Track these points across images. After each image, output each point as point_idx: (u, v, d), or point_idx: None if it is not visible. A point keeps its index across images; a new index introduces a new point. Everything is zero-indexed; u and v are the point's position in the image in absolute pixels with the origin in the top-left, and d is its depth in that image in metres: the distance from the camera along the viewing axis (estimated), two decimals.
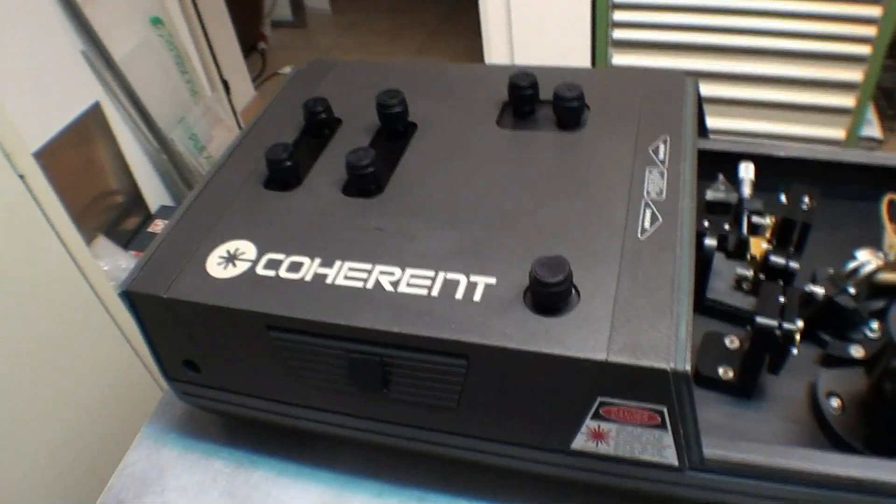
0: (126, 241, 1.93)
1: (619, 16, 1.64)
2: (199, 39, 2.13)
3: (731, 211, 0.85)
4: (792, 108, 1.74)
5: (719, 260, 0.86)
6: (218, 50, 2.24)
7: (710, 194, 0.86)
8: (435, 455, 0.78)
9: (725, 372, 0.78)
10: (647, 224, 0.71)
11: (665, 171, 0.76)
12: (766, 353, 0.73)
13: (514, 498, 0.79)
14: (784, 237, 0.78)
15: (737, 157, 0.91)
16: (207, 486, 0.84)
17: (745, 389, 0.78)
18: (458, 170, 0.80)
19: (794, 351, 0.73)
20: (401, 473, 0.82)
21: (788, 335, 0.71)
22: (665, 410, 0.63)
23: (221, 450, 0.87)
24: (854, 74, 1.68)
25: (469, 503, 0.80)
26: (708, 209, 0.87)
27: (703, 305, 0.85)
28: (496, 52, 1.73)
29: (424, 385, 0.69)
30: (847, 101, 1.72)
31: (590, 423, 0.66)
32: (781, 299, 0.72)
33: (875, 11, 1.58)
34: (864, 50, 1.64)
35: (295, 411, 0.79)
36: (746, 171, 0.88)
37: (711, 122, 1.76)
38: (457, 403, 0.69)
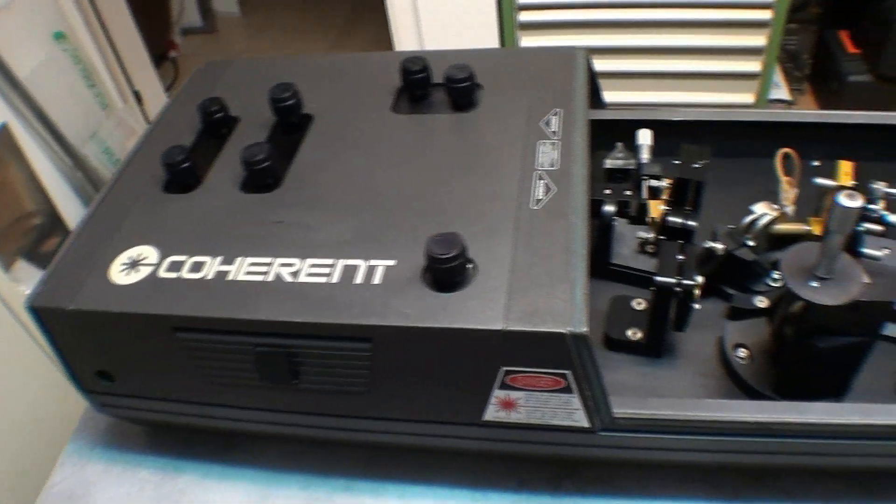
0: (47, 262, 1.88)
1: None
2: (106, 51, 2.10)
3: (631, 177, 0.87)
4: (702, 76, 1.77)
5: (623, 225, 0.88)
6: (127, 61, 2.21)
7: (609, 162, 0.87)
8: (353, 442, 0.78)
9: (634, 333, 0.80)
10: (540, 194, 0.72)
11: (558, 143, 0.77)
12: (668, 311, 0.75)
13: (440, 476, 0.80)
14: (679, 197, 0.79)
15: (635, 125, 0.92)
16: (135, 497, 0.83)
17: (655, 348, 0.79)
18: (355, 157, 0.80)
19: (696, 306, 0.75)
20: (326, 464, 0.82)
21: (688, 291, 0.72)
22: (569, 374, 0.64)
23: (147, 459, 0.86)
24: (758, 40, 1.72)
25: (396, 486, 0.80)
26: (609, 177, 0.88)
27: (609, 271, 0.86)
28: (405, 41, 1.74)
29: (332, 372, 0.69)
30: (753, 65, 1.75)
31: (498, 394, 0.67)
32: (680, 257, 0.74)
33: None
34: (766, 15, 1.68)
35: (212, 412, 0.78)
36: (644, 137, 0.90)
37: (625, 96, 1.79)
38: (366, 387, 0.69)
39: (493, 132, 0.80)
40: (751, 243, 0.80)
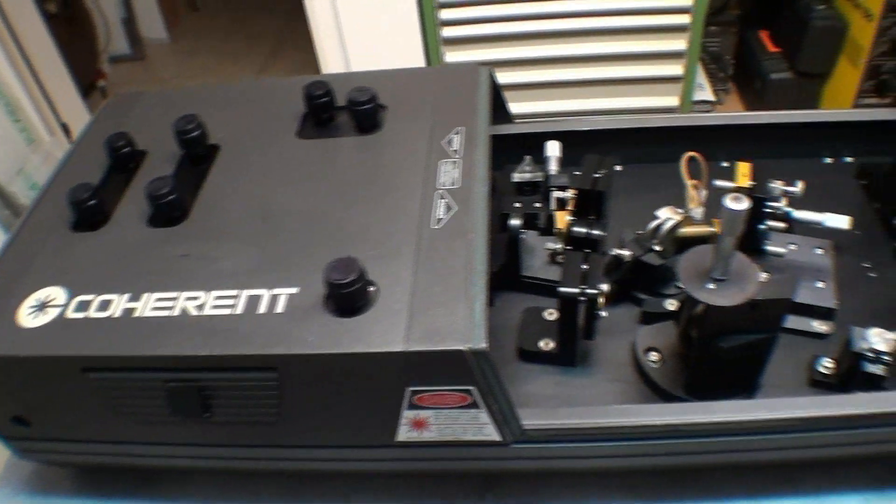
0: None
1: (445, 14, 1.67)
2: (30, 84, 2.07)
3: (540, 189, 0.88)
4: (628, 82, 1.80)
5: (533, 237, 0.88)
6: (53, 93, 2.18)
7: (517, 176, 0.88)
8: (270, 471, 0.78)
9: (547, 344, 0.80)
10: (441, 214, 0.72)
11: (459, 161, 0.77)
12: (576, 320, 0.76)
13: (363, 499, 0.80)
14: (583, 207, 0.80)
15: (544, 137, 0.94)
16: None
17: (568, 357, 0.80)
18: (260, 185, 0.80)
19: (603, 314, 0.76)
20: (249, 493, 0.82)
21: (593, 300, 0.73)
22: (474, 389, 0.64)
23: (73, 501, 0.85)
24: (679, 44, 1.75)
25: None
26: (518, 190, 0.89)
27: (522, 283, 0.87)
28: (331, 61, 1.74)
29: (242, 403, 0.69)
30: (676, 69, 1.78)
31: (408, 414, 0.67)
32: (584, 267, 0.75)
33: None
34: (685, 19, 1.71)
35: (129, 450, 0.78)
36: (552, 149, 0.91)
37: (551, 105, 1.81)
38: (277, 416, 0.69)
39: (396, 153, 0.81)
40: (657, 248, 0.81)
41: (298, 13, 1.74)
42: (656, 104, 1.82)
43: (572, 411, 0.70)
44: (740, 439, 0.71)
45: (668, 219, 0.81)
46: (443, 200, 0.73)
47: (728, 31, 2.18)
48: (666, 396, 0.77)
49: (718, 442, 0.71)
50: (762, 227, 0.82)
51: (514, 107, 1.76)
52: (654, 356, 0.79)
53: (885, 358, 0.74)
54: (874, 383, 0.75)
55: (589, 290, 0.72)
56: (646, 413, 0.69)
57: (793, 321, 0.83)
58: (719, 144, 1.00)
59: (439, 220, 0.72)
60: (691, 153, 0.87)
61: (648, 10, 1.69)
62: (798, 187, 0.82)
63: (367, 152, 0.81)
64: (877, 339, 0.74)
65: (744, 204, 0.61)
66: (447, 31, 1.69)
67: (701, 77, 2.15)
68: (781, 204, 0.85)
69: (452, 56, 1.72)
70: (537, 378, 0.81)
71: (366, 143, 0.82)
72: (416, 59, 1.72)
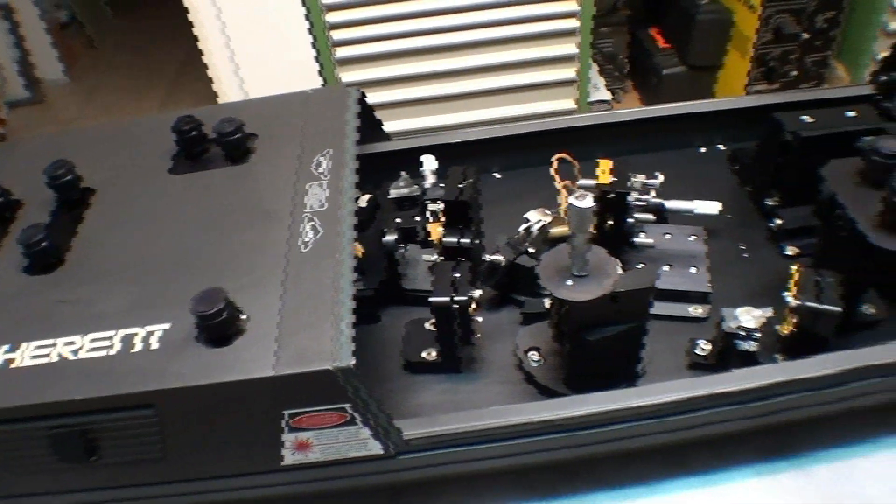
0: None
1: (336, 35, 1.68)
2: None
3: (418, 203, 0.89)
4: (525, 88, 1.83)
5: (414, 251, 0.90)
6: None
7: (393, 192, 0.90)
8: None
9: (430, 353, 0.82)
10: (308, 237, 0.73)
11: (326, 183, 0.79)
12: (452, 328, 0.77)
13: None
14: (452, 218, 0.82)
15: (422, 151, 0.95)
16: None
17: (452, 365, 0.82)
18: (135, 225, 0.80)
19: (478, 319, 0.78)
20: None
21: (464, 307, 0.74)
22: (348, 406, 0.65)
23: None
24: (569, 47, 1.78)
25: None
26: (397, 206, 0.90)
27: (405, 296, 0.89)
28: (228, 92, 1.74)
29: (126, 443, 0.69)
30: (569, 72, 1.82)
31: (289, 437, 0.68)
32: (455, 275, 0.76)
33: None
34: (573, 23, 1.74)
35: (21, 503, 0.77)
36: (427, 162, 0.93)
37: (452, 117, 1.83)
38: (161, 453, 0.69)
39: (265, 180, 0.81)
40: (530, 250, 0.83)
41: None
42: (554, 108, 1.86)
43: (451, 417, 0.71)
44: (623, 427, 0.73)
45: (538, 221, 0.83)
46: (310, 223, 0.74)
47: (620, 31, 2.23)
48: (549, 393, 0.79)
49: (601, 432, 0.73)
50: (629, 220, 0.84)
51: (412, 122, 1.81)
52: (534, 355, 0.80)
53: (756, 335, 0.77)
54: (749, 360, 0.78)
55: (459, 298, 0.74)
56: (522, 411, 0.70)
57: (670, 308, 0.86)
58: (595, 144, 1.03)
59: (307, 243, 0.72)
60: (561, 154, 0.90)
61: (537, 18, 1.73)
62: (658, 179, 0.85)
63: (238, 182, 0.82)
64: (746, 317, 0.77)
65: (588, 201, 0.63)
66: (340, 52, 1.70)
67: (597, 78, 2.19)
68: (650, 196, 0.87)
69: (348, 76, 1.74)
70: (425, 388, 0.82)
71: (236, 173, 0.83)
72: (313, 81, 1.73)
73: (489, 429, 0.70)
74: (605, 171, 0.82)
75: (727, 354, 0.79)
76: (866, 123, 0.92)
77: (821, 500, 0.79)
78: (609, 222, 0.83)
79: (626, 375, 0.78)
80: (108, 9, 3.37)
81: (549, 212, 0.84)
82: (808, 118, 0.91)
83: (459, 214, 0.80)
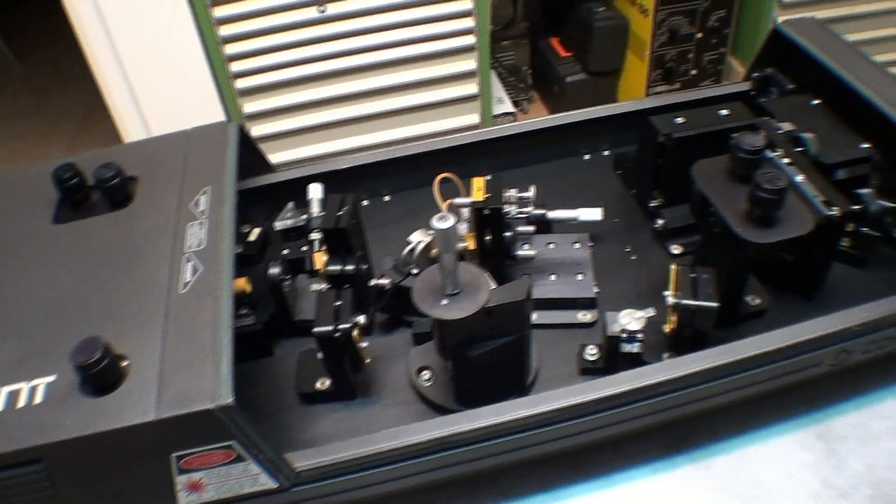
0: None
1: (235, 67, 1.68)
2: None
3: (305, 233, 0.90)
4: (430, 106, 1.84)
5: (304, 280, 0.90)
6: None
7: (279, 224, 0.90)
8: None
9: (323, 383, 0.82)
10: (188, 277, 0.73)
11: (206, 222, 0.79)
12: (340, 356, 0.78)
13: None
14: (331, 246, 0.83)
15: (310, 180, 0.96)
16: None
17: (345, 392, 0.82)
18: (17, 278, 0.79)
19: (364, 344, 0.78)
20: None
21: (348, 335, 0.75)
22: (234, 443, 0.66)
23: None
24: (469, 64, 1.80)
25: None
26: (284, 237, 0.91)
27: (297, 327, 0.89)
28: (132, 131, 1.72)
29: (20, 500, 0.68)
30: (471, 88, 1.84)
31: (181, 479, 0.68)
32: (338, 303, 0.77)
33: (467, 4, 1.71)
34: (470, 40, 1.77)
35: None
36: (314, 191, 0.93)
37: (362, 139, 1.83)
38: None
39: (146, 223, 0.81)
40: (415, 271, 0.84)
41: None
42: (460, 124, 1.87)
43: (341, 445, 0.71)
44: (516, 437, 0.74)
45: (420, 241, 0.84)
46: (189, 263, 0.74)
47: (520, 43, 2.26)
48: (442, 411, 0.79)
49: (496, 444, 0.74)
50: (509, 234, 0.85)
51: (321, 147, 1.81)
52: (426, 374, 0.81)
53: (639, 336, 0.79)
54: (635, 361, 0.79)
55: (342, 326, 0.74)
56: (411, 432, 0.71)
57: (559, 315, 0.88)
58: (483, 159, 1.05)
59: (186, 283, 0.73)
60: (443, 174, 0.91)
61: (434, 37, 1.74)
62: (531, 192, 0.87)
63: (119, 227, 0.82)
64: (627, 319, 0.79)
65: (449, 222, 0.64)
66: (241, 83, 1.70)
67: (500, 91, 2.22)
68: (531, 209, 0.89)
69: (250, 107, 1.74)
70: (322, 417, 0.83)
71: (118, 219, 0.83)
72: (216, 114, 1.72)
73: (380, 453, 0.71)
74: (479, 189, 0.83)
75: (614, 357, 0.80)
76: (737, 120, 0.95)
77: (719, 489, 0.81)
78: (488, 237, 0.84)
79: (516, 386, 0.79)
80: (10, 53, 3.29)
81: (431, 231, 0.85)
82: (680, 119, 0.94)
83: (339, 242, 0.81)
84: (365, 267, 0.85)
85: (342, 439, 0.76)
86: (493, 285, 0.70)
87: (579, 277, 0.89)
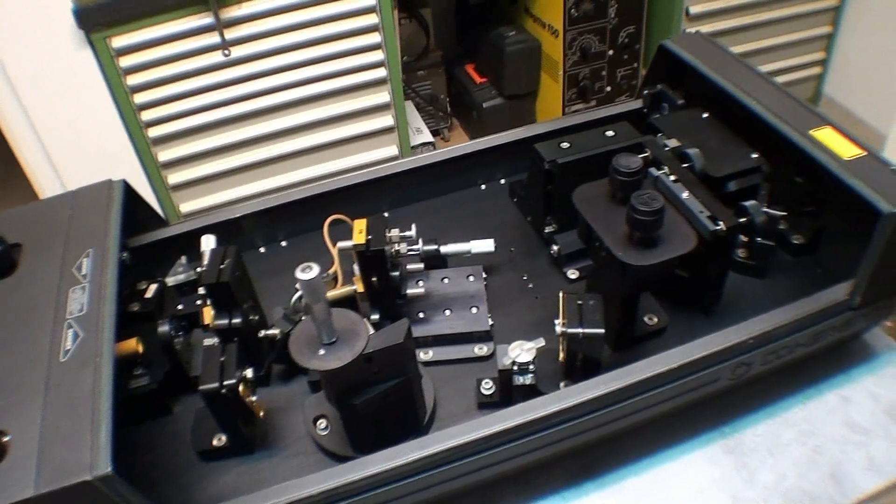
0: None
1: (146, 116, 1.66)
2: None
3: (197, 287, 0.89)
4: (346, 141, 1.84)
5: (199, 335, 0.89)
6: None
7: (171, 279, 0.89)
8: None
9: (219, 439, 0.81)
10: (69, 344, 0.72)
11: (87, 286, 0.78)
12: (229, 411, 0.77)
13: None
14: (216, 300, 0.82)
15: (202, 232, 0.95)
16: None
17: (242, 447, 0.81)
18: None
19: (253, 398, 0.78)
20: None
21: (233, 390, 0.74)
22: None
23: None
24: (382, 96, 1.81)
25: None
26: (179, 292, 0.90)
27: (194, 384, 0.88)
28: (46, 186, 1.70)
29: None
30: (386, 120, 1.84)
31: None
32: (223, 358, 0.76)
33: (375, 38, 1.72)
34: (381, 73, 1.77)
35: None
36: (206, 243, 0.92)
37: (274, 181, 1.82)
38: None
39: (30, 291, 0.80)
40: (304, 317, 0.84)
41: None
42: (380, 156, 1.88)
43: (239, 501, 0.70)
44: (414, 480, 0.74)
45: None
46: (70, 330, 0.73)
47: (436, 71, 2.27)
48: (340, 459, 0.79)
49: (393, 489, 0.73)
50: (396, 274, 0.85)
51: (238, 191, 1.80)
52: (322, 423, 0.81)
53: (531, 367, 0.79)
54: (529, 392, 0.80)
55: (227, 382, 0.74)
56: (297, 486, 0.70)
57: (456, 351, 0.88)
58: (379, 197, 1.05)
59: (67, 351, 0.71)
60: (335, 216, 0.91)
61: (345, 72, 1.75)
62: (412, 231, 0.87)
63: (3, 297, 0.80)
64: (517, 351, 0.79)
65: (312, 273, 0.64)
66: (153, 132, 1.69)
67: (418, 121, 2.22)
68: (419, 246, 0.89)
69: (165, 154, 1.72)
70: (223, 473, 0.81)
71: (4, 288, 0.81)
72: (131, 164, 1.71)
73: None
74: (360, 231, 0.83)
75: (509, 390, 0.80)
76: (623, 140, 0.96)
77: None
78: (375, 279, 0.84)
79: (412, 427, 0.79)
80: None
81: (324, 275, 0.85)
82: (566, 144, 0.95)
83: (223, 296, 0.80)
84: (256, 318, 0.84)
85: (243, 494, 0.76)
86: (371, 331, 0.70)
87: (474, 311, 0.90)
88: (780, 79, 2.08)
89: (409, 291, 0.86)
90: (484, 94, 2.23)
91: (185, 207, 1.80)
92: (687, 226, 0.80)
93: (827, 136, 0.89)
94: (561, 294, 0.80)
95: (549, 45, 2.10)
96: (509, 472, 0.81)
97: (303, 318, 0.83)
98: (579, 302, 0.78)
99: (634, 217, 0.74)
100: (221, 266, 0.80)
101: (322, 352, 0.68)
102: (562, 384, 0.81)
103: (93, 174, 1.66)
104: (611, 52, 2.08)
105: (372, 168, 1.04)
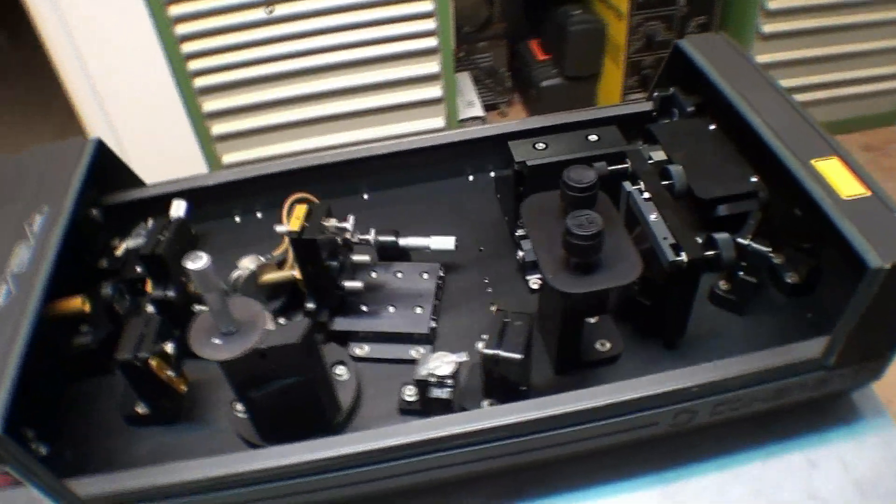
0: None
1: (193, 65, 1.68)
2: None
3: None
4: (391, 109, 1.83)
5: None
6: None
7: (130, 242, 0.90)
8: None
9: (142, 406, 0.82)
10: (1, 300, 0.74)
11: (34, 243, 0.79)
12: (144, 382, 0.78)
13: None
14: (151, 271, 0.82)
15: (172, 197, 0.95)
16: None
17: (164, 416, 0.82)
18: None
19: (169, 373, 0.78)
20: None
21: (144, 362, 0.75)
22: (9, 469, 0.66)
23: None
24: (432, 66, 1.78)
25: None
26: (136, 256, 0.90)
27: None
28: (95, 125, 1.75)
29: None
30: (435, 91, 1.82)
31: None
32: (143, 331, 0.77)
33: (428, 5, 1.69)
34: (432, 42, 1.75)
35: None
36: (176, 209, 0.93)
37: (316, 141, 1.82)
38: None
39: None
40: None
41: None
42: (423, 127, 1.86)
43: (128, 474, 0.71)
44: (302, 482, 0.73)
45: (246, 269, 0.83)
46: (4, 286, 0.75)
47: (498, 44, 2.22)
48: (251, 444, 0.79)
49: (302, 483, 0.73)
50: (333, 263, 0.84)
51: (277, 148, 1.81)
52: (240, 406, 0.81)
53: (449, 382, 0.76)
54: (446, 406, 0.77)
55: (140, 354, 0.74)
56: (186, 469, 0.71)
57: (392, 350, 0.87)
58: (360, 178, 1.03)
59: None
60: (297, 195, 0.90)
61: (395, 38, 1.73)
62: (350, 223, 0.84)
63: None
64: (437, 363, 0.77)
65: (201, 262, 0.63)
66: (199, 82, 1.71)
67: (472, 94, 2.19)
68: (371, 237, 0.87)
69: (210, 105, 1.75)
70: (146, 440, 0.82)
71: None
72: (177, 111, 1.74)
73: (157, 486, 0.71)
74: (297, 217, 0.81)
75: (427, 401, 0.78)
76: (605, 147, 0.91)
77: None
78: (311, 268, 0.83)
79: (321, 425, 0.78)
80: (3, 37, 3.34)
81: (262, 258, 0.85)
82: (541, 145, 0.91)
83: (157, 268, 0.81)
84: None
85: (159, 464, 0.76)
86: (270, 325, 0.69)
87: (418, 311, 0.87)
88: (860, 89, 1.96)
89: (346, 284, 0.85)
90: (544, 72, 2.18)
91: (227, 159, 1.82)
92: (635, 254, 0.73)
93: (830, 168, 0.80)
94: (493, 308, 0.77)
95: (614, 29, 2.03)
96: (423, 484, 0.79)
97: None
98: (506, 320, 0.75)
99: (568, 240, 0.69)
100: (160, 238, 0.80)
101: (218, 341, 0.68)
102: (485, 402, 0.78)
103: (142, 121, 1.72)
104: None
105: (354, 148, 1.02)
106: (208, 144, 1.81)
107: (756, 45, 1.92)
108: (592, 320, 0.86)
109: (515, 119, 2.19)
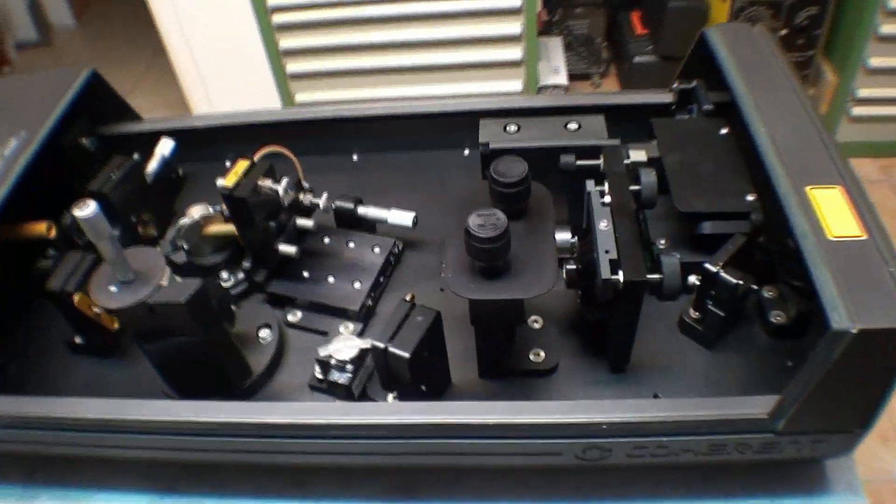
0: None
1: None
2: None
3: None
4: (470, 66, 1.79)
5: None
6: None
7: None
8: None
9: (79, 337, 0.85)
10: None
11: (2, 166, 0.82)
12: (73, 314, 0.80)
13: None
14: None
15: (160, 134, 0.97)
16: None
17: (96, 350, 0.85)
18: None
19: (97, 310, 0.80)
20: None
21: (69, 296, 0.77)
22: None
23: None
24: (513, 27, 1.73)
25: None
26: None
27: None
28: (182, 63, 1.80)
29: None
30: (515, 53, 1.77)
31: None
32: (76, 266, 0.79)
33: None
34: (516, 2, 1.69)
35: None
36: (162, 147, 0.95)
37: (386, 91, 1.81)
38: None
39: None
40: (184, 246, 0.85)
41: None
42: (501, 88, 1.81)
43: (25, 401, 0.73)
44: (194, 440, 0.72)
45: (190, 219, 0.84)
46: None
47: (596, 12, 2.13)
48: (166, 395, 0.80)
49: (166, 440, 0.73)
50: (272, 224, 0.83)
51: (348, 93, 1.81)
52: None
53: (349, 367, 0.75)
54: (344, 392, 0.76)
55: (66, 288, 0.77)
56: (76, 406, 0.72)
57: (324, 322, 0.86)
58: (360, 137, 1.04)
59: None
60: (269, 148, 0.89)
61: None
62: (283, 184, 0.82)
63: None
64: (338, 346, 0.75)
65: (88, 210, 0.63)
66: (278, 18, 1.73)
67: (559, 60, 2.11)
68: (322, 200, 0.86)
69: (286, 42, 1.76)
70: (82, 369, 0.86)
71: None
72: (255, 46, 1.76)
73: (24, 417, 0.72)
74: (235, 173, 0.80)
75: (329, 383, 0.77)
76: (582, 138, 0.84)
77: None
78: (243, 227, 0.82)
79: (226, 387, 0.78)
80: (69, 10, 3.41)
81: (211, 209, 0.85)
82: (513, 128, 0.86)
83: (105, 207, 0.82)
84: (152, 232, 0.87)
85: (91, 394, 0.79)
86: (164, 281, 0.69)
87: (356, 286, 0.86)
88: None
89: (280, 247, 0.84)
90: (639, 46, 2.08)
91: (300, 97, 1.84)
92: (553, 266, 0.67)
93: (826, 199, 0.68)
94: (408, 296, 0.74)
95: (716, 10, 1.91)
96: (317, 465, 0.77)
97: (184, 245, 0.84)
98: (408, 313, 0.71)
99: (467, 240, 0.64)
100: (112, 176, 0.82)
101: (114, 289, 0.68)
102: (390, 396, 0.75)
103: (222, 55, 1.75)
104: (784, 32, 1.86)
105: (348, 106, 1.00)
106: (283, 81, 1.83)
107: (871, 47, 1.76)
108: (538, 326, 0.82)
109: (606, 91, 2.12)
